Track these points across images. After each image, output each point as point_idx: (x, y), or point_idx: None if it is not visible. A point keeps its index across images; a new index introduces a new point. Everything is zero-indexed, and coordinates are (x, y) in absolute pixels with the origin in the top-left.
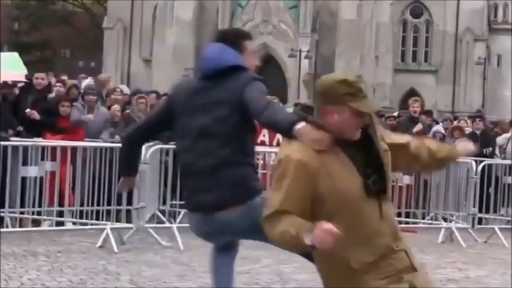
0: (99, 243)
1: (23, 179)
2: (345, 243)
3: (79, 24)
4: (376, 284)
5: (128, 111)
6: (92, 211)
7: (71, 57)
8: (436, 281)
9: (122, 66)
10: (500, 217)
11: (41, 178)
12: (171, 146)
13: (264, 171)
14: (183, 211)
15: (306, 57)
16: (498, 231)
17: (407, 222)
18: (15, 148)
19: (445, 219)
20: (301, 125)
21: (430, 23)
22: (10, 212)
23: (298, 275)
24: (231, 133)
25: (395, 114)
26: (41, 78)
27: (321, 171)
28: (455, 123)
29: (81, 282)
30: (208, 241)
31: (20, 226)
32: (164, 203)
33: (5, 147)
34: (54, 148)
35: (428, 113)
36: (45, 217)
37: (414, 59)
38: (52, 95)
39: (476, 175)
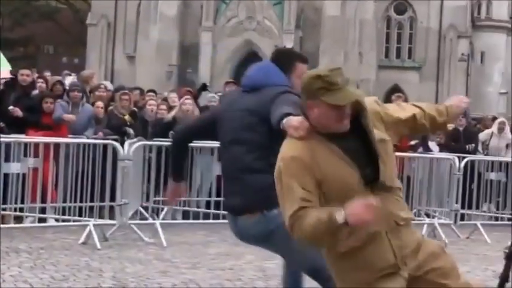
0: (82, 239)
1: (5, 175)
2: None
3: (63, 20)
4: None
5: (111, 107)
6: (74, 207)
7: (54, 54)
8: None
9: (106, 62)
10: (482, 213)
11: (24, 175)
12: (154, 142)
13: None
14: (166, 207)
15: None
16: (480, 227)
17: None
18: None
19: (427, 215)
20: (286, 118)
21: (413, 19)
22: None
23: (280, 271)
24: (258, 141)
25: None
26: (26, 75)
27: (314, 164)
28: None
29: (64, 279)
30: (241, 241)
31: (2, 223)
32: (147, 199)
33: None
34: (36, 144)
35: None
36: (27, 214)
37: (398, 55)
38: (36, 91)
39: (459, 171)
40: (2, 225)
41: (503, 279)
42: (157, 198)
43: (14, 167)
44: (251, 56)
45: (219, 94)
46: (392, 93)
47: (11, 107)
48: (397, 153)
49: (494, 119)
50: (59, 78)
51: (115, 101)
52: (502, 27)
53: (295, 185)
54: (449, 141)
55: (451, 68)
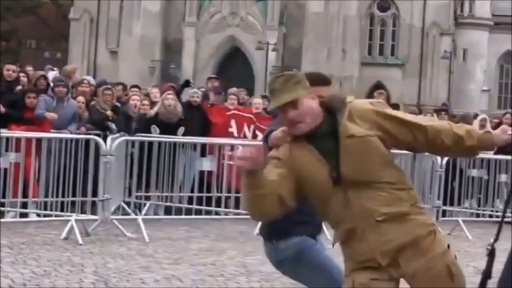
0: (64, 234)
1: None
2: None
3: (45, 15)
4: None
5: (93, 102)
6: (56, 202)
7: (37, 48)
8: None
9: (88, 57)
10: (464, 209)
11: (5, 169)
12: (137, 137)
13: (231, 162)
14: (148, 203)
15: (273, 50)
16: (462, 224)
17: None
18: None
19: None
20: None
21: (397, 17)
22: None
23: (262, 266)
24: None
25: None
26: (11, 70)
27: (292, 162)
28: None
29: (45, 274)
30: None
31: None
32: (130, 194)
33: None
34: (18, 139)
35: (395, 106)
36: (9, 208)
37: (381, 52)
38: (19, 87)
39: (441, 168)
40: None
41: (486, 275)
42: (139, 194)
43: None
44: (234, 52)
45: (202, 90)
46: (375, 90)
47: None
48: None
49: (476, 116)
50: (42, 72)
51: (97, 96)
52: (484, 25)
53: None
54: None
55: (433, 65)
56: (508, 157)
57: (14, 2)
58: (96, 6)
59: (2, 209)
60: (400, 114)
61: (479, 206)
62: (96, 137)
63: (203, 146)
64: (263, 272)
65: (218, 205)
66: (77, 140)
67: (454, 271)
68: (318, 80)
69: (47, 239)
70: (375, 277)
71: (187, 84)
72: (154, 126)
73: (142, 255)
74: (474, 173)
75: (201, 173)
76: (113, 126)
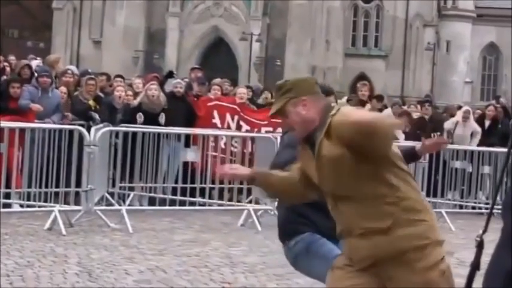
0: (47, 225)
1: None
2: None
3: (28, 4)
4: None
5: (76, 92)
6: (39, 193)
7: (19, 38)
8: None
9: (72, 47)
10: (447, 201)
11: None
12: (121, 128)
13: (215, 153)
14: (132, 193)
15: (257, 41)
16: (445, 215)
17: None
18: None
19: None
20: None
21: (380, 8)
22: None
23: (246, 257)
24: None
25: (345, 98)
26: None
27: (301, 160)
28: (404, 108)
29: (29, 265)
30: None
31: None
32: (113, 185)
33: None
34: (1, 129)
35: (379, 98)
36: None
37: (365, 43)
38: (4, 77)
39: (424, 160)
40: None
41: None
42: (123, 184)
43: None
44: (218, 43)
45: (186, 80)
46: (359, 81)
47: None
48: None
49: (460, 107)
50: (26, 62)
51: (81, 86)
52: (467, 17)
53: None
54: (415, 130)
55: (417, 56)
56: (491, 149)
57: None
58: None
59: None
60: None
61: (462, 197)
62: (80, 128)
63: (187, 136)
64: (247, 264)
65: (202, 196)
66: (61, 131)
67: (439, 286)
68: (321, 90)
69: (30, 230)
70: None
71: (170, 75)
72: (140, 114)
73: (126, 246)
74: (457, 164)
75: (185, 164)
76: (96, 116)
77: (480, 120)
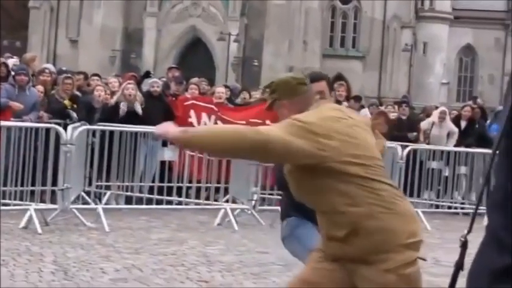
0: (22, 224)
1: None
2: None
3: (4, 3)
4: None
5: (53, 91)
6: (15, 191)
7: None
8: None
9: (48, 46)
10: (423, 201)
11: None
12: (98, 127)
13: (192, 153)
14: (108, 192)
15: (234, 41)
16: (421, 215)
17: None
18: None
19: None
20: None
21: (358, 9)
22: None
23: (223, 256)
24: None
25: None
26: None
27: None
28: (381, 108)
29: (4, 264)
30: None
31: None
32: (90, 184)
33: None
34: None
35: (357, 98)
36: None
37: (342, 44)
38: None
39: (401, 159)
40: None
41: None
42: (99, 183)
43: None
44: (196, 42)
45: (163, 79)
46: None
47: None
48: None
49: (437, 108)
50: (3, 60)
51: (57, 85)
52: (444, 19)
53: None
54: (392, 130)
55: (394, 58)
56: (468, 149)
57: None
58: None
59: None
60: None
61: (438, 197)
62: (56, 126)
63: None
64: (224, 262)
65: (179, 195)
66: (37, 129)
67: None
68: (311, 77)
69: (5, 228)
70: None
71: (147, 75)
72: (124, 103)
73: (102, 245)
74: (434, 165)
75: (162, 163)
76: (74, 114)
77: (456, 121)
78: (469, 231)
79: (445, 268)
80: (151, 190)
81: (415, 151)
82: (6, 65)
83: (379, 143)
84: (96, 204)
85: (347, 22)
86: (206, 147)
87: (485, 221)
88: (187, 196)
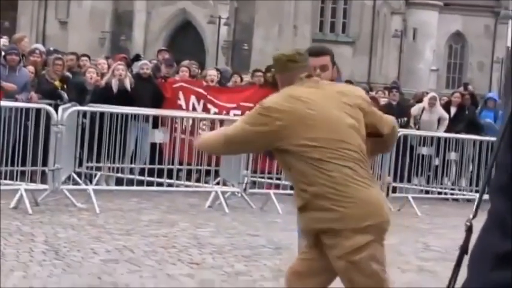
0: (13, 204)
1: None
2: None
3: None
4: None
5: (43, 72)
6: (5, 171)
7: None
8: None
9: (37, 27)
10: (413, 186)
11: None
12: (88, 108)
13: (183, 136)
14: (99, 173)
15: (224, 24)
16: (411, 200)
17: None
18: None
19: None
20: None
21: None
22: None
23: (214, 239)
24: None
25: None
26: None
27: None
28: (372, 93)
29: None
30: None
31: None
32: (80, 165)
33: None
34: None
35: (348, 83)
36: None
37: (332, 29)
38: None
39: None
40: None
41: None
42: (90, 164)
43: None
44: (185, 25)
45: (153, 62)
46: None
47: None
48: None
49: (427, 94)
50: None
51: (48, 66)
52: (434, 5)
53: None
54: None
55: (384, 43)
56: (458, 135)
57: None
58: None
59: None
60: None
61: (428, 183)
62: (47, 107)
63: (155, 117)
64: (215, 245)
65: (170, 177)
66: (28, 109)
67: (348, 275)
68: (313, 50)
69: None
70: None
71: (137, 58)
72: (115, 81)
73: (93, 226)
74: (424, 150)
75: (153, 145)
76: (65, 95)
77: (446, 107)
78: (475, 216)
79: (434, 253)
80: (141, 172)
81: (405, 136)
82: None
83: (387, 121)
84: (86, 185)
85: (337, 7)
86: (207, 150)
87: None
88: (177, 178)
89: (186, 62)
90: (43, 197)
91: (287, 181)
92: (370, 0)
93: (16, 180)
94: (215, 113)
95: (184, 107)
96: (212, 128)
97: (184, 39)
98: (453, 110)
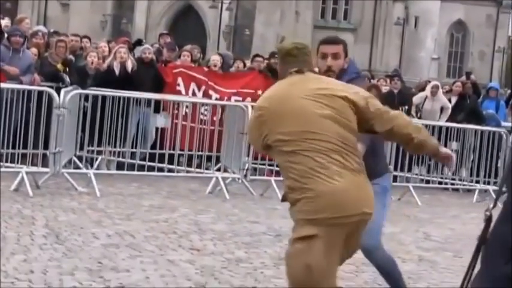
0: (14, 186)
1: None
2: None
3: None
4: None
5: (46, 54)
6: (6, 154)
7: None
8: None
9: (39, 8)
10: (414, 175)
11: None
12: (90, 91)
13: (185, 123)
14: (100, 157)
15: (226, 9)
16: (412, 189)
17: None
18: None
19: None
20: None
21: None
22: None
23: (214, 225)
24: None
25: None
26: None
27: None
28: (373, 81)
29: None
30: None
31: None
32: (81, 148)
33: None
34: None
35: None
36: None
37: (334, 16)
38: None
39: None
40: None
41: (481, 241)
42: (91, 148)
43: None
44: (187, 10)
45: (156, 46)
46: None
47: None
48: None
49: (429, 83)
50: None
51: (50, 48)
52: None
53: None
54: (383, 104)
55: (385, 31)
56: (459, 125)
57: None
58: None
59: None
60: None
61: (428, 172)
62: (49, 89)
63: (157, 102)
64: (215, 231)
65: (170, 162)
66: (30, 92)
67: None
68: (324, 40)
69: None
70: None
71: (139, 43)
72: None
73: (93, 210)
74: None
75: (155, 129)
76: (67, 78)
77: (447, 97)
78: (494, 206)
79: (434, 243)
80: (142, 157)
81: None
82: None
83: (388, 117)
84: (87, 168)
85: None
86: None
87: (475, 198)
88: (178, 164)
89: (188, 47)
90: (44, 180)
91: None
92: None
93: (17, 163)
94: (216, 99)
95: (183, 92)
96: (213, 114)
97: (186, 24)
98: (454, 99)
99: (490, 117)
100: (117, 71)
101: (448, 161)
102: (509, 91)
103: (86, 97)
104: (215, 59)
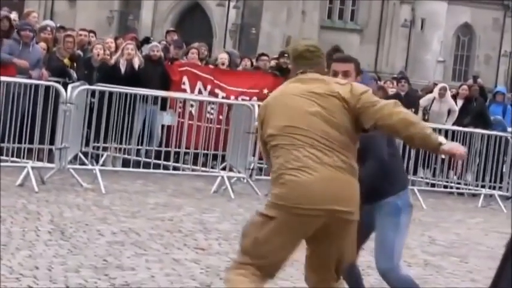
0: (19, 181)
1: None
2: None
3: None
4: None
5: (54, 49)
6: (12, 148)
7: None
8: None
9: (46, 3)
10: (419, 179)
11: None
12: (97, 87)
13: (191, 122)
14: (105, 154)
15: (234, 7)
16: (417, 193)
17: None
18: None
19: None
20: None
21: None
22: None
23: (220, 224)
24: None
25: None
26: None
27: None
28: (380, 83)
29: (1, 220)
30: None
31: None
32: (87, 144)
33: None
34: None
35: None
36: None
37: (340, 16)
38: None
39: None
40: None
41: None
42: (97, 144)
43: None
44: (194, 7)
45: (163, 43)
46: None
47: None
48: None
49: (435, 84)
50: (6, 13)
51: (58, 43)
52: None
53: None
54: None
55: (392, 32)
56: (466, 129)
57: None
58: None
59: None
60: None
61: (434, 176)
62: (56, 84)
63: (164, 100)
64: (221, 231)
65: (176, 160)
66: (37, 86)
67: None
68: (336, 58)
69: (1, 185)
70: None
71: (147, 41)
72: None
73: (98, 207)
74: None
75: (162, 127)
76: (74, 74)
77: (453, 100)
78: None
79: (440, 247)
80: (148, 154)
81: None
82: (9, 19)
83: (382, 114)
84: (93, 165)
85: None
86: None
87: (480, 203)
88: (184, 162)
89: (195, 44)
90: (49, 176)
91: None
92: None
93: (23, 158)
94: (223, 98)
95: (188, 91)
96: (220, 112)
97: (192, 21)
98: (460, 102)
99: (498, 123)
100: (122, 69)
101: (456, 156)
102: None
103: (93, 93)
104: (223, 57)
